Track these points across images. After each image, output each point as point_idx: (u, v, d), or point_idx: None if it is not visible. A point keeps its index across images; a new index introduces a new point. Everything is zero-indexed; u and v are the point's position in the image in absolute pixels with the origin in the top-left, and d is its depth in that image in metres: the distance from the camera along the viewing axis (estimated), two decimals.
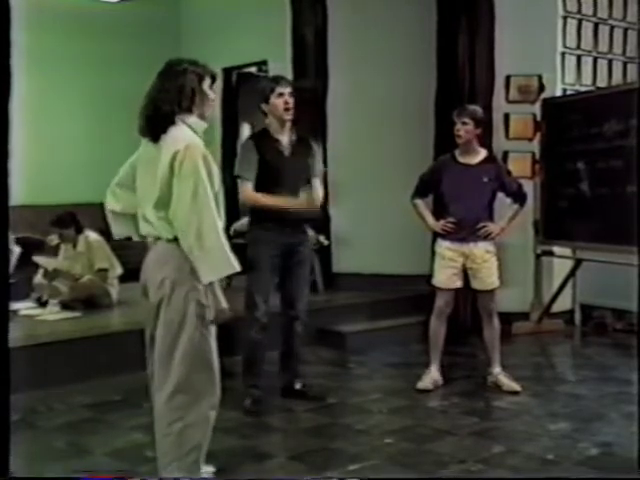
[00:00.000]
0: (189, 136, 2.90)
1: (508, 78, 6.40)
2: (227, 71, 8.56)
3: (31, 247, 6.59)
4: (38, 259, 6.20)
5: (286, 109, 4.29)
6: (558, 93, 6.47)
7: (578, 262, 6.21)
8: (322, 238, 6.54)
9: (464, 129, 4.61)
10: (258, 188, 4.31)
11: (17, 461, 2.79)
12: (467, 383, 4.89)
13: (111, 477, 3.35)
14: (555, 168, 6.18)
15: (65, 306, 5.85)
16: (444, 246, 4.72)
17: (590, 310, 6.54)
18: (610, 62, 6.80)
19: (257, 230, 4.35)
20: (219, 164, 7.30)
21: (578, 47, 6.59)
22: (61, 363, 4.74)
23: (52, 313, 5.75)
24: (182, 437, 2.90)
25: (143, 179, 3.00)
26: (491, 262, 4.71)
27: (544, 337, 6.21)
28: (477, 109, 4.77)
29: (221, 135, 8.49)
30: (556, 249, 6.36)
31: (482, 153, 4.76)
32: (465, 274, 4.74)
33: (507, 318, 5.58)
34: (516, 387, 4.65)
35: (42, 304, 5.99)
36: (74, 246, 6.09)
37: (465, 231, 4.66)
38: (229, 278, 2.97)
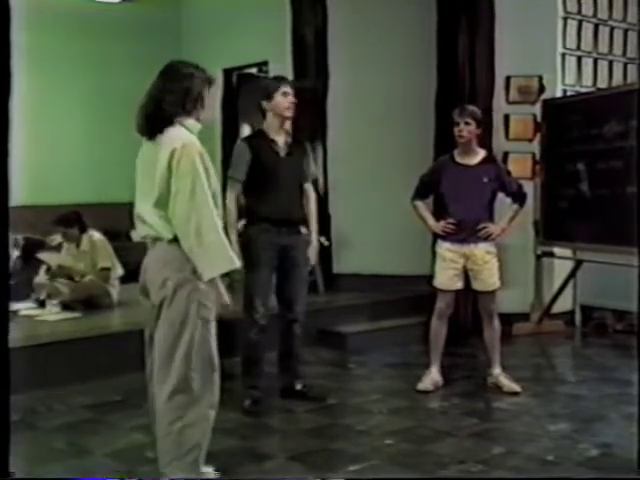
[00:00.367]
0: (186, 135, 2.94)
1: (508, 79, 6.40)
2: (227, 72, 8.57)
3: (32, 247, 6.60)
4: (42, 255, 6.21)
5: (288, 107, 4.32)
6: (558, 94, 6.47)
7: (578, 263, 6.21)
8: (322, 239, 6.53)
9: (467, 129, 4.61)
10: (253, 188, 4.31)
11: (17, 461, 2.79)
12: (467, 384, 4.89)
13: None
14: (555, 169, 6.18)
15: (65, 306, 5.85)
16: (445, 247, 4.72)
17: (590, 311, 6.53)
18: (610, 63, 6.79)
19: (253, 231, 4.34)
20: (219, 164, 7.37)
21: (578, 48, 6.59)
22: (61, 363, 4.74)
23: (52, 313, 5.75)
24: (182, 436, 2.92)
25: (142, 179, 3.03)
26: (492, 263, 4.70)
27: (544, 338, 6.20)
28: (477, 109, 4.78)
29: (221, 135, 8.49)
30: (556, 250, 6.35)
31: (481, 153, 4.76)
32: (466, 275, 4.74)
33: (507, 319, 5.58)
34: (516, 388, 4.65)
35: (42, 304, 5.98)
36: (77, 245, 6.10)
37: (465, 232, 4.65)
38: (229, 277, 2.98)
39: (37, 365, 4.56)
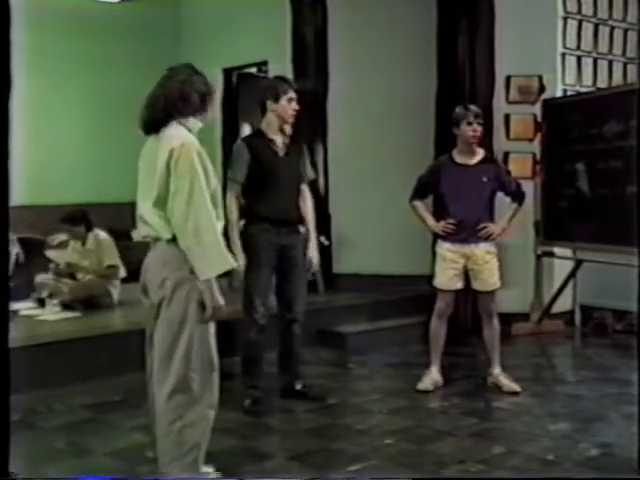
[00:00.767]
0: (185, 134, 2.96)
1: (508, 78, 6.40)
2: (227, 71, 8.56)
3: (32, 247, 6.60)
4: (49, 253, 6.23)
5: (292, 114, 4.35)
6: (558, 94, 6.47)
7: (578, 263, 6.21)
8: (322, 238, 6.53)
9: (479, 129, 4.63)
10: (253, 188, 4.32)
11: (17, 461, 2.79)
12: (467, 384, 4.89)
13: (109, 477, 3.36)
14: (555, 169, 6.18)
15: (65, 306, 5.85)
16: (445, 247, 4.72)
17: (590, 311, 6.53)
18: (610, 63, 6.79)
19: (253, 230, 4.34)
20: (219, 164, 7.36)
21: (578, 48, 6.59)
22: (61, 363, 4.74)
23: (52, 313, 5.76)
24: (182, 436, 2.92)
25: (143, 179, 3.04)
26: (492, 263, 4.71)
27: (544, 338, 6.20)
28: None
29: (221, 135, 8.49)
30: (556, 250, 6.35)
31: (480, 153, 4.77)
32: (465, 275, 4.74)
33: (507, 319, 5.58)
34: (516, 388, 4.65)
35: (42, 303, 5.99)
36: (83, 243, 6.11)
37: (466, 232, 4.65)
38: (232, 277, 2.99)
39: (37, 365, 4.55)
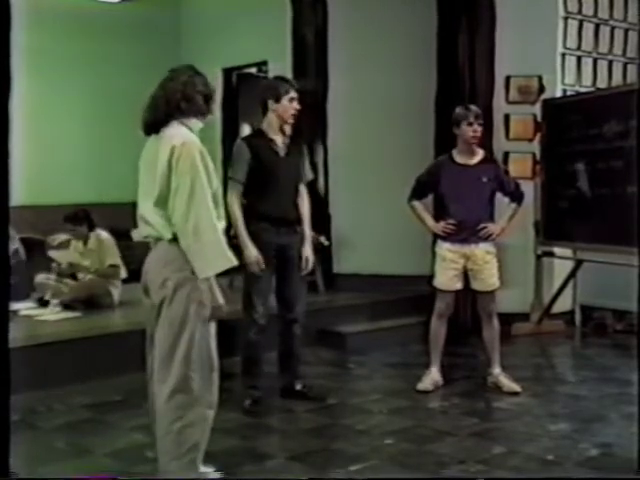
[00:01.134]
0: (186, 133, 2.97)
1: (508, 79, 6.40)
2: (227, 71, 8.57)
3: (32, 247, 6.60)
4: (52, 253, 6.23)
5: (293, 114, 4.35)
6: (558, 94, 6.47)
7: (578, 263, 6.21)
8: (322, 239, 6.54)
9: (480, 130, 4.63)
10: (253, 187, 4.31)
11: (17, 461, 2.78)
12: (467, 384, 4.89)
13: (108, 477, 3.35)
14: (555, 169, 6.18)
15: (66, 306, 5.85)
16: (445, 248, 4.72)
17: (590, 311, 6.53)
18: (610, 63, 6.79)
19: (253, 230, 4.33)
20: (219, 164, 7.36)
21: (578, 48, 6.59)
22: (61, 363, 4.74)
23: (53, 313, 5.75)
24: (181, 436, 2.92)
25: (144, 179, 3.04)
26: (492, 263, 4.71)
27: (544, 338, 6.20)
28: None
29: (221, 135, 8.49)
30: (556, 250, 6.35)
31: (480, 153, 4.77)
32: (465, 275, 4.74)
33: (507, 319, 5.58)
34: (516, 388, 4.65)
35: (43, 304, 5.98)
36: (85, 243, 6.12)
37: (466, 232, 4.65)
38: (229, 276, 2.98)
39: (37, 365, 4.55)
